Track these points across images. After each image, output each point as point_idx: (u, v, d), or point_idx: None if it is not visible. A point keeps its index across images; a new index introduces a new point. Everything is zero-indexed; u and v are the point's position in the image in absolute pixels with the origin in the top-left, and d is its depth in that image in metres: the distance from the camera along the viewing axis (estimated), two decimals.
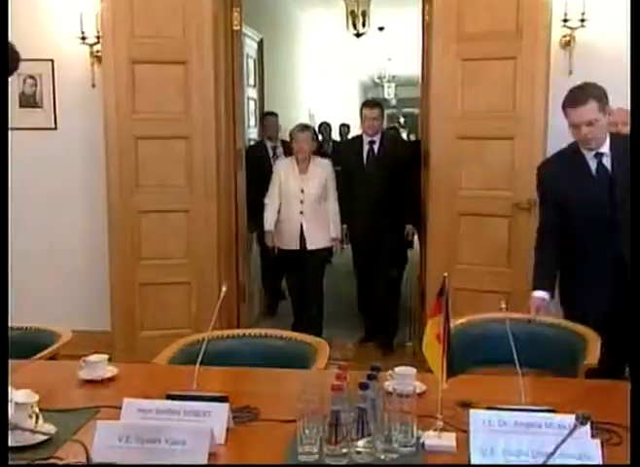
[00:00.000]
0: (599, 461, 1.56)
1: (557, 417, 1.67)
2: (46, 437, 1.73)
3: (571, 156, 2.74)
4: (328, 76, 12.09)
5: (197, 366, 2.00)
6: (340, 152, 5.73)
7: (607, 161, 2.67)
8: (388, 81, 15.79)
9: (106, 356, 2.24)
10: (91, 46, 4.30)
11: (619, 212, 2.57)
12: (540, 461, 1.49)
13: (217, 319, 2.18)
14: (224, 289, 2.10)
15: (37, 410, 1.76)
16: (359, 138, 4.83)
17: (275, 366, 2.32)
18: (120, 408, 1.80)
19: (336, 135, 9.47)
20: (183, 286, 4.27)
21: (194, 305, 4.25)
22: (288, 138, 4.86)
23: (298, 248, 4.59)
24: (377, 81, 15.90)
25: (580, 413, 1.45)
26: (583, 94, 2.59)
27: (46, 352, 2.49)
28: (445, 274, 1.74)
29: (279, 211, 4.60)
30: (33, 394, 1.77)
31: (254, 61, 6.81)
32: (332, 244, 4.66)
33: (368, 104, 4.81)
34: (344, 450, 1.63)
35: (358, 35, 6.98)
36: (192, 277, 4.27)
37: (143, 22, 4.06)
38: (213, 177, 4.23)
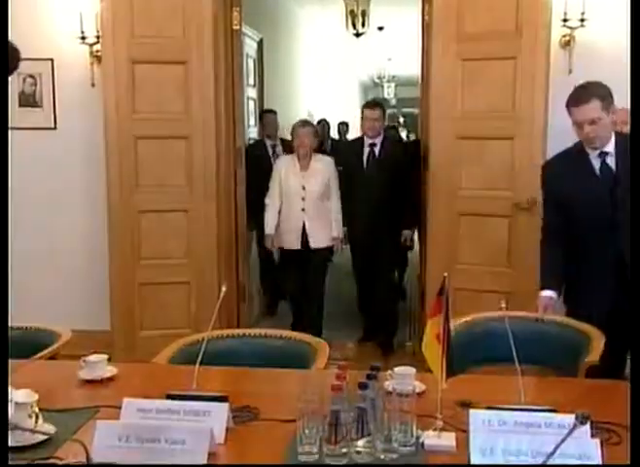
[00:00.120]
0: (599, 461, 1.56)
1: (557, 417, 1.67)
2: (46, 437, 1.73)
3: (575, 155, 2.74)
4: (328, 76, 12.09)
5: (197, 366, 2.00)
6: (341, 153, 5.70)
7: (611, 161, 2.67)
8: (388, 81, 15.79)
9: (106, 356, 2.24)
10: (91, 45, 4.30)
11: (619, 212, 2.57)
12: (540, 461, 1.49)
13: (217, 319, 2.18)
14: (223, 289, 2.10)
15: (37, 409, 1.76)
16: (360, 140, 4.82)
17: (275, 366, 2.32)
18: (119, 407, 1.80)
19: (334, 133, 9.46)
20: (183, 286, 4.27)
21: (193, 305, 4.25)
22: (288, 137, 4.84)
23: (300, 248, 4.53)
24: (377, 81, 15.91)
25: (579, 412, 1.45)
26: (586, 93, 2.59)
27: (46, 352, 2.49)
28: (445, 274, 1.74)
29: (280, 211, 4.55)
30: (33, 394, 1.77)
31: (254, 61, 6.80)
32: (333, 243, 4.62)
33: (369, 105, 4.80)
34: (344, 450, 1.63)
35: (358, 35, 6.97)
36: (191, 277, 4.27)
37: (143, 22, 4.06)
38: (213, 177, 4.23)
